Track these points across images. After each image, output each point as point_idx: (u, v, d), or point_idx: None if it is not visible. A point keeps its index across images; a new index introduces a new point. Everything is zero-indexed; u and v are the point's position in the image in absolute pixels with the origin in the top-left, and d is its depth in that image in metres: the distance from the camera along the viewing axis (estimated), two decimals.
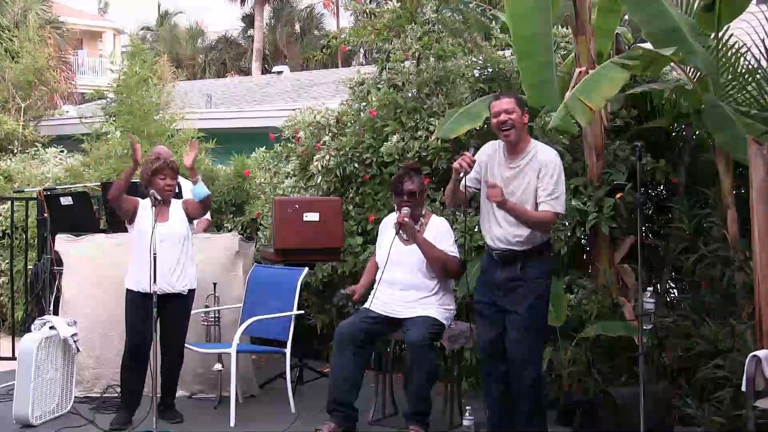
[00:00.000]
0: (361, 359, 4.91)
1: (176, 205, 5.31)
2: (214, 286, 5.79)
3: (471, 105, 5.82)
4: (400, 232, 4.97)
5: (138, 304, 5.10)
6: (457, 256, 5.01)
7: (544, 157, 4.37)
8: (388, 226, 5.23)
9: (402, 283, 4.96)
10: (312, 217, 6.02)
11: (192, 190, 5.29)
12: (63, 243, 5.96)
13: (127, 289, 5.19)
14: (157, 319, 4.95)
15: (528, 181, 4.35)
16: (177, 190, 5.69)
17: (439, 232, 5.03)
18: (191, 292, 5.29)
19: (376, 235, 6.28)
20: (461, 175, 4.37)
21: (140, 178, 5.26)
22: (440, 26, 6.75)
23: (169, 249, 5.09)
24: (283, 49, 36.99)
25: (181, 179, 6.30)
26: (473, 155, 4.37)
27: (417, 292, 4.95)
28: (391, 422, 5.18)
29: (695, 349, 5.00)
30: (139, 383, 5.20)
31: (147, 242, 4.98)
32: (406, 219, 4.90)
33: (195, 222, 5.78)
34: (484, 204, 4.52)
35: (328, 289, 6.69)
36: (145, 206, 5.20)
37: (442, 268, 4.95)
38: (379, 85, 6.76)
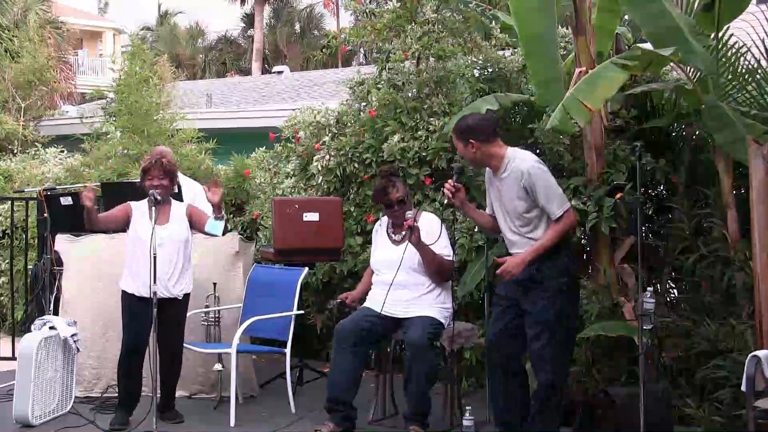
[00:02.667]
0: (361, 358, 4.91)
1: (178, 207, 5.25)
2: (214, 286, 5.79)
3: (471, 105, 5.83)
4: (390, 233, 5.03)
5: (134, 307, 5.09)
6: (450, 257, 4.98)
7: (521, 167, 4.32)
8: (378, 231, 5.27)
9: (396, 283, 4.95)
10: (312, 217, 6.02)
11: (209, 221, 5.14)
12: (63, 243, 5.96)
13: (123, 291, 5.17)
14: (153, 322, 4.96)
15: (514, 190, 4.36)
16: (177, 191, 5.68)
17: (431, 230, 4.98)
18: (186, 296, 5.26)
19: None
20: (446, 202, 4.52)
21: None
22: (440, 26, 6.74)
23: (168, 252, 5.03)
24: (283, 49, 37.02)
25: (186, 180, 6.29)
26: (455, 180, 4.49)
27: (411, 291, 4.96)
28: (391, 422, 5.18)
29: (695, 349, 5.00)
30: (137, 384, 5.20)
31: (144, 245, 4.97)
32: (413, 223, 4.86)
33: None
34: (496, 213, 4.55)
35: (328, 289, 6.69)
36: (139, 208, 5.17)
37: (437, 273, 4.94)
38: (379, 85, 6.75)
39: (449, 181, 4.48)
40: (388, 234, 5.16)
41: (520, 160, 4.36)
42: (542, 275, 4.32)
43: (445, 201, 4.52)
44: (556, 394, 4.38)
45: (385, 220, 5.23)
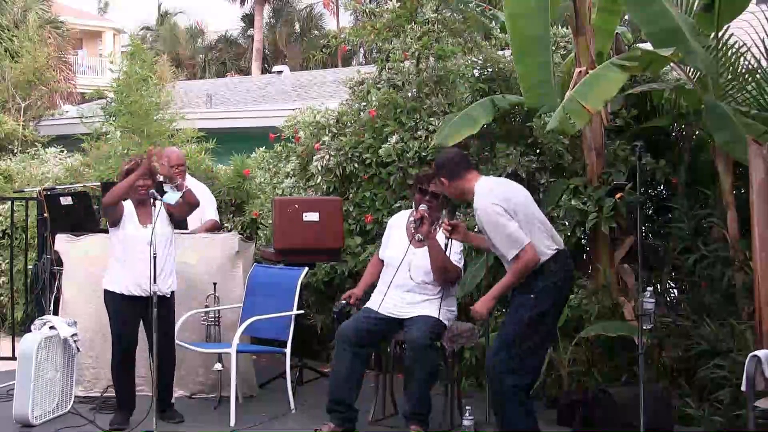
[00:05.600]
0: (362, 359, 4.90)
1: (159, 206, 5.17)
2: (214, 286, 5.79)
3: (469, 109, 5.79)
4: (413, 231, 4.93)
5: (122, 306, 5.09)
6: (459, 267, 4.97)
7: (476, 206, 4.37)
8: (397, 225, 5.19)
9: (407, 285, 4.93)
10: (312, 217, 6.01)
11: (167, 193, 5.15)
12: (63, 243, 5.95)
13: (107, 291, 5.15)
14: (141, 321, 5.02)
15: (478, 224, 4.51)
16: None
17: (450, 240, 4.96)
18: (173, 293, 5.26)
19: (376, 235, 6.29)
20: (448, 240, 4.70)
21: (118, 177, 5.20)
22: (440, 26, 6.74)
23: (157, 250, 4.99)
24: (283, 49, 37.03)
25: (193, 181, 6.28)
26: (448, 219, 4.66)
27: (421, 294, 4.93)
28: (391, 422, 5.17)
29: (695, 349, 5.00)
30: (131, 383, 5.20)
31: (134, 244, 5.01)
32: (426, 214, 4.85)
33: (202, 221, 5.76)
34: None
35: (329, 289, 6.69)
36: (128, 208, 5.16)
37: (442, 275, 4.91)
38: (378, 85, 6.75)
39: (444, 221, 4.63)
40: (409, 230, 5.06)
41: (480, 198, 4.38)
42: (515, 292, 4.38)
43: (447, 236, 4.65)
44: (513, 401, 4.32)
45: (405, 216, 5.17)
